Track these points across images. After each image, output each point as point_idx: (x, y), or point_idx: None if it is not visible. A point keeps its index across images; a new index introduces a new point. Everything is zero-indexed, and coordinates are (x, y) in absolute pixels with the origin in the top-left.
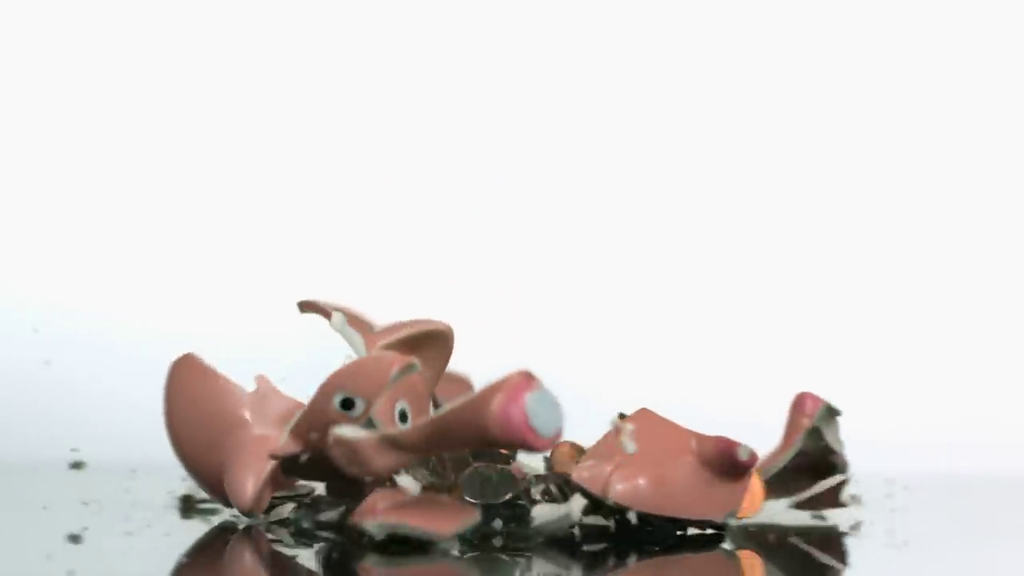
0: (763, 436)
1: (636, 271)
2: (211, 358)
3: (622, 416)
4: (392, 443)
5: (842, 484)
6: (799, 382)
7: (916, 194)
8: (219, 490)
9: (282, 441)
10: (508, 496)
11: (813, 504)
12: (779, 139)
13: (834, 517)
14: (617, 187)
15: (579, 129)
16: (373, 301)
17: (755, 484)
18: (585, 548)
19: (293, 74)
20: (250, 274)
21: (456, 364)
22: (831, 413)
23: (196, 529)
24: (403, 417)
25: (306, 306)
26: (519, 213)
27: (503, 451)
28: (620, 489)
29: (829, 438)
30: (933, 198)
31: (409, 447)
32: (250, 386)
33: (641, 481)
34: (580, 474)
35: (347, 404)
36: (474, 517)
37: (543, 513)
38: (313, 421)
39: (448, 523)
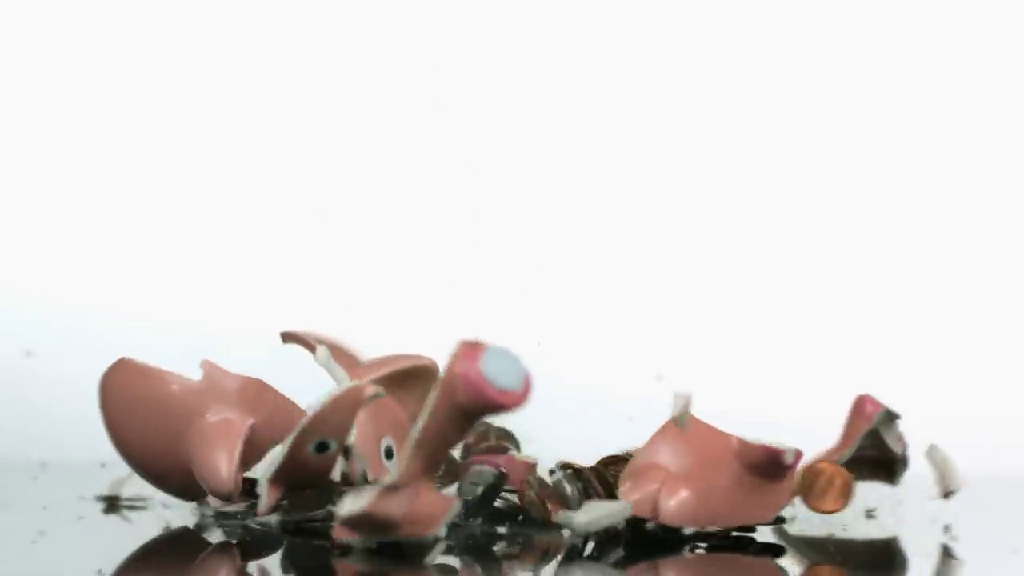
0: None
1: (636, 271)
2: (210, 358)
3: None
4: (392, 488)
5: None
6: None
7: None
8: (187, 488)
9: (263, 496)
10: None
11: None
12: (791, 134)
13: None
14: (618, 187)
15: (579, 129)
16: (373, 302)
17: (842, 479)
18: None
19: (293, 74)
20: (250, 274)
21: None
22: (890, 417)
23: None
24: (388, 453)
25: (289, 337)
26: (519, 213)
27: (501, 442)
28: (671, 509)
29: (889, 440)
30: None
31: (411, 474)
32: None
33: (689, 497)
34: (628, 498)
35: (322, 447)
36: (456, 505)
37: (594, 508)
38: (291, 469)
39: (433, 519)
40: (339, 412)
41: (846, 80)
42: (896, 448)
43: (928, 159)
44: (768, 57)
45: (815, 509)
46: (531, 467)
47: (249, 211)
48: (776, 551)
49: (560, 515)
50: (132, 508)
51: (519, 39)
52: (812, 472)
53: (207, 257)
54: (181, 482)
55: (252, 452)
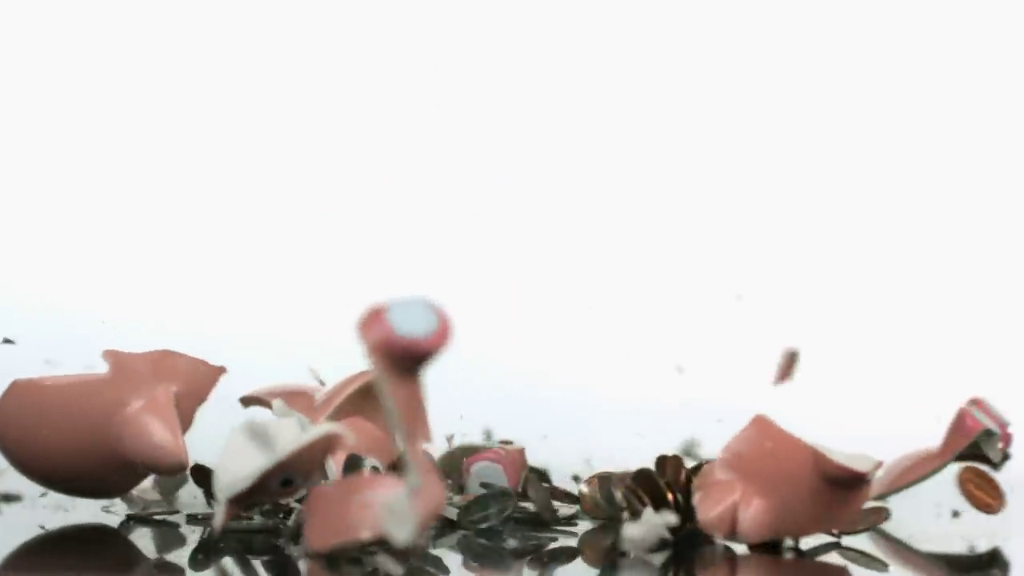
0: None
1: (636, 270)
2: (210, 358)
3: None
4: (420, 488)
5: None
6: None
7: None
8: (116, 484)
9: (218, 513)
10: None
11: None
12: (801, 136)
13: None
14: (618, 186)
15: (579, 129)
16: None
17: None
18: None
19: (293, 74)
20: (249, 274)
21: (456, 365)
22: (989, 435)
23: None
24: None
25: (248, 401)
26: (519, 213)
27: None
28: (747, 526)
29: (990, 454)
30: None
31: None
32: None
33: (766, 512)
34: (706, 515)
35: (287, 482)
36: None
37: (648, 521)
38: (252, 494)
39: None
40: (309, 456)
41: (845, 81)
42: (995, 458)
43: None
44: (768, 57)
45: (983, 508)
46: (523, 457)
47: (249, 211)
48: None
49: (625, 529)
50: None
51: (519, 39)
52: (979, 476)
53: (206, 258)
54: (97, 482)
55: (180, 418)
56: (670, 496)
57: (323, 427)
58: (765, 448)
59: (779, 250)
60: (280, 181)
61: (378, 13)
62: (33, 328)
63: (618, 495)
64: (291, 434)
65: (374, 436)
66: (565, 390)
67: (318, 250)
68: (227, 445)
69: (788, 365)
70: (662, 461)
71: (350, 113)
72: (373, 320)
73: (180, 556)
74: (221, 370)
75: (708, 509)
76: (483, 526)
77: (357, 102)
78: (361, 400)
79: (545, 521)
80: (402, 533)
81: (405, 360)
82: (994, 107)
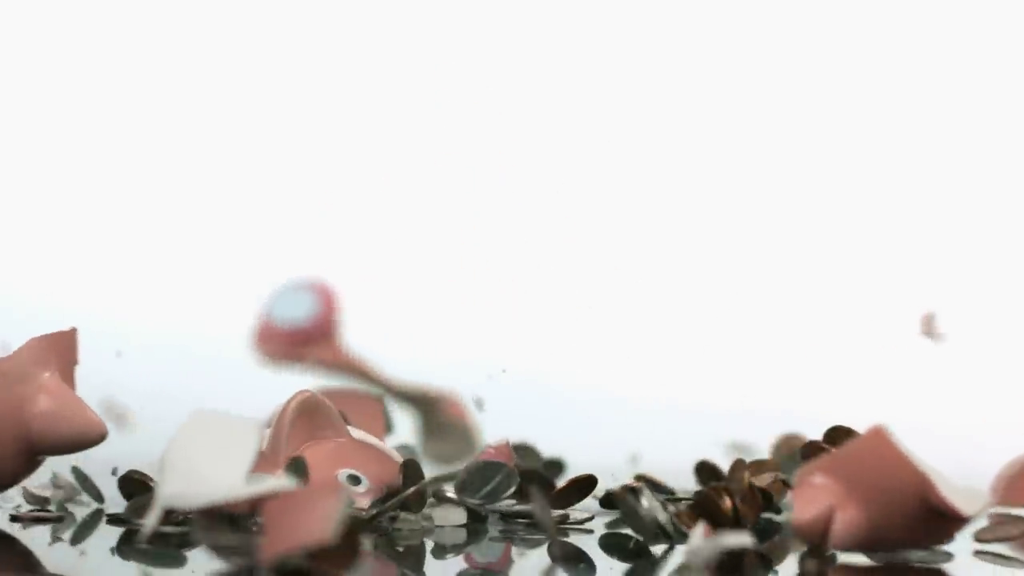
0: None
1: (636, 270)
2: (211, 359)
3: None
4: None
5: None
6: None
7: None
8: (18, 469)
9: (152, 518)
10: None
11: None
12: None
13: None
14: (617, 186)
15: (579, 129)
16: (373, 301)
17: None
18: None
19: (293, 74)
20: (249, 274)
21: (456, 365)
22: None
23: None
24: (355, 480)
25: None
26: (519, 213)
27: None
28: (841, 533)
29: None
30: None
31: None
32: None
33: (861, 522)
34: (801, 517)
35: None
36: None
37: (715, 538)
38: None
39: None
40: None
41: (846, 80)
42: None
43: None
44: (768, 57)
45: None
46: (511, 449)
47: (248, 211)
48: None
49: (690, 544)
50: None
51: (519, 40)
52: None
53: (206, 258)
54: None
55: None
56: (734, 506)
57: (274, 483)
58: (875, 459)
59: (779, 250)
60: (280, 181)
61: (378, 13)
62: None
63: (662, 516)
64: (246, 456)
65: (351, 450)
66: (565, 390)
67: (318, 250)
68: (176, 443)
69: (929, 325)
70: (735, 468)
71: (350, 113)
72: (259, 333)
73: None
74: (74, 331)
75: (804, 510)
76: (482, 494)
77: (357, 102)
78: (307, 422)
79: (547, 529)
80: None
81: (296, 346)
82: None
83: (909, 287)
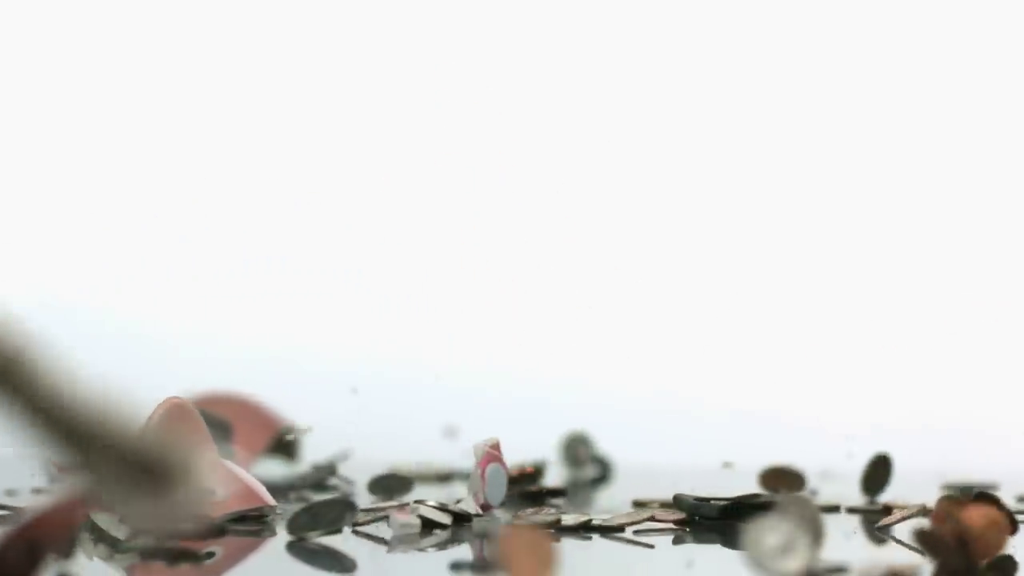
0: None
1: (636, 270)
2: (210, 359)
3: None
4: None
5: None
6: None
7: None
8: None
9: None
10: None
11: None
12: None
13: None
14: (617, 186)
15: (579, 129)
16: (373, 301)
17: None
18: None
19: (293, 74)
20: (249, 274)
21: (456, 365)
22: None
23: None
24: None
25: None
26: (519, 213)
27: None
28: None
29: None
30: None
31: None
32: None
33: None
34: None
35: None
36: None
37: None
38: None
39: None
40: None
41: (845, 80)
42: None
43: None
44: (767, 57)
45: None
46: (497, 446)
47: (248, 211)
48: None
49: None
50: None
51: (519, 39)
52: None
53: (206, 258)
54: None
55: None
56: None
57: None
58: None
59: (778, 250)
60: (280, 181)
61: (378, 13)
62: None
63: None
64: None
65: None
66: (564, 390)
67: (317, 250)
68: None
69: None
70: (945, 505)
71: (350, 113)
72: None
73: None
74: None
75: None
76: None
77: (357, 103)
78: (174, 429)
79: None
80: None
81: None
82: None
83: (909, 287)
